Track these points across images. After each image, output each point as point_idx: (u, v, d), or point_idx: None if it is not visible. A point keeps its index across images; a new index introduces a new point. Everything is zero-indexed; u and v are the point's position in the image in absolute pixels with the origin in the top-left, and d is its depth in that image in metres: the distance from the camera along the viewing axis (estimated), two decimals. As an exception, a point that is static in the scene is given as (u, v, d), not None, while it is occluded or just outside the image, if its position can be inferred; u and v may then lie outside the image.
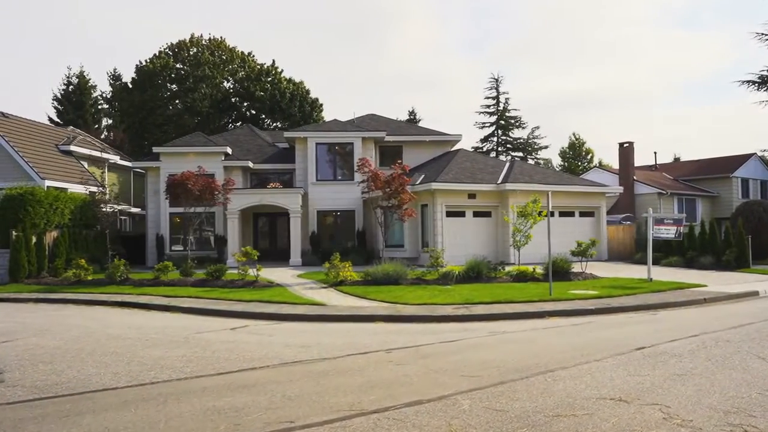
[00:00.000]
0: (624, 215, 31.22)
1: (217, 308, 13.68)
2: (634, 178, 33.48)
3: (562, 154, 70.29)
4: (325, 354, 7.76)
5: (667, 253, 24.14)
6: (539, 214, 18.27)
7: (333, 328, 10.66)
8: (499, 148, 57.43)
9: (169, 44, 45.90)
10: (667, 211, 31.83)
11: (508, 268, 18.45)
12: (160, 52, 44.98)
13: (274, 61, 46.94)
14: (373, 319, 11.90)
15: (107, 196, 25.03)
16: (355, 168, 23.17)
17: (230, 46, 46.93)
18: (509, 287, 16.11)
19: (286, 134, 29.36)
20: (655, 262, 24.12)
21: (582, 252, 18.55)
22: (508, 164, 28.55)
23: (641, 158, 59.16)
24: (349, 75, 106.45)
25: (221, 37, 46.26)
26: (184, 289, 17.42)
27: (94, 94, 52.71)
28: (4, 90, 79.51)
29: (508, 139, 57.70)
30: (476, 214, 25.07)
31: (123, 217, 34.94)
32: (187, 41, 45.22)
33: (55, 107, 50.77)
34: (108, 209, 24.72)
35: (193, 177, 22.18)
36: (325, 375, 6.57)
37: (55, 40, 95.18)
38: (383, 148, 29.76)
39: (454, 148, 30.61)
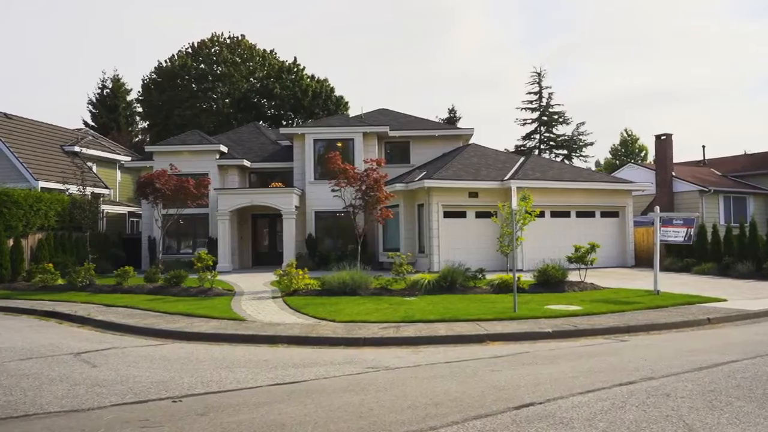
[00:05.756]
0: (658, 216, 27.72)
1: (127, 323, 12.04)
2: (673, 174, 29.67)
3: (614, 152, 65.88)
4: (85, 403, 5.78)
5: (702, 258, 20.93)
6: (530, 213, 15.64)
7: (206, 354, 8.73)
8: (542, 146, 54.02)
9: (190, 44, 45.39)
10: (711, 211, 28.05)
11: (491, 277, 15.97)
12: (180, 51, 44.48)
13: (296, 58, 45.59)
14: (275, 341, 9.91)
15: (87, 197, 23.87)
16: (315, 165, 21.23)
17: (250, 44, 45.86)
18: (478, 300, 13.71)
19: (283, 130, 27.74)
20: (686, 269, 21.02)
21: (580, 258, 15.86)
22: (521, 159, 25.80)
23: (698, 155, 54.18)
24: (398, 75, 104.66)
25: (241, 36, 45.30)
26: (134, 297, 16.02)
27: (129, 98, 53.12)
28: (46, 94, 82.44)
29: (551, 136, 54.23)
30: (479, 215, 22.50)
31: (134, 219, 34.37)
32: (207, 40, 44.49)
33: (90, 111, 51.48)
34: (91, 210, 23.57)
35: (164, 176, 20.89)
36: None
37: (95, 45, 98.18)
38: (389, 145, 27.66)
39: (469, 143, 28.12)
